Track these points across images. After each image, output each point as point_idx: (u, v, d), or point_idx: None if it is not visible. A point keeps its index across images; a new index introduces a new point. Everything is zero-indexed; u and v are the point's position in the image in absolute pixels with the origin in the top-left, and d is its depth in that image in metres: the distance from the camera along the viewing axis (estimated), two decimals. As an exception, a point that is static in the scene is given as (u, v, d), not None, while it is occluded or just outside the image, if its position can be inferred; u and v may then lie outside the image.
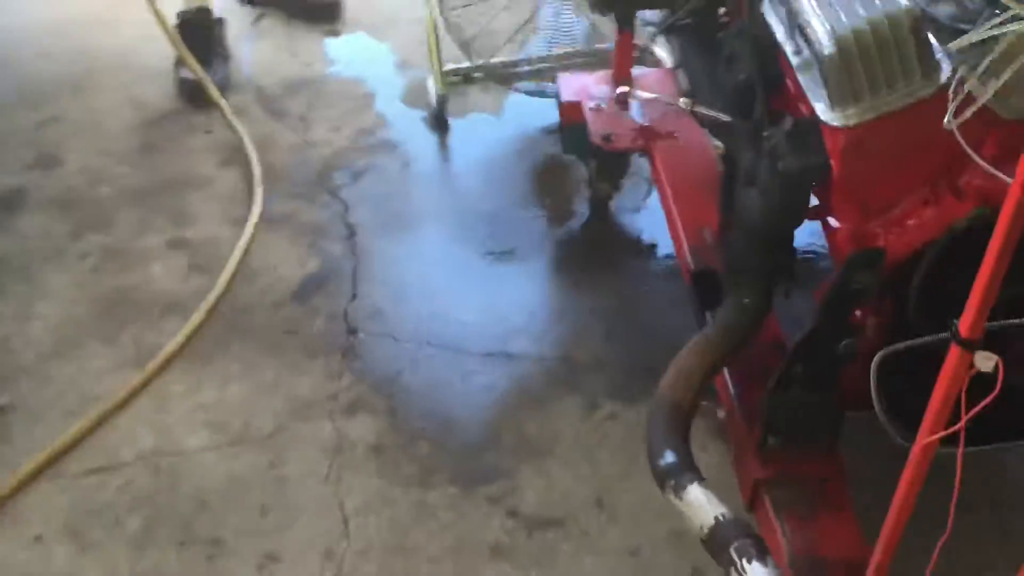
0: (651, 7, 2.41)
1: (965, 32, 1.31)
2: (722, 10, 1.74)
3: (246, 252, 2.48)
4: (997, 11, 1.27)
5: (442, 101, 2.86)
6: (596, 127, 2.34)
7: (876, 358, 1.19)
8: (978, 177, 1.35)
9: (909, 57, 1.29)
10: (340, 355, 2.25)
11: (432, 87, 2.89)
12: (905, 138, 1.35)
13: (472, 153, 2.82)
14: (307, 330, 2.31)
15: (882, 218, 1.42)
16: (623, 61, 2.45)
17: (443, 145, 2.86)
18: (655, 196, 2.52)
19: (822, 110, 1.37)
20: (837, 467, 1.61)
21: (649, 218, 2.57)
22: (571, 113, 2.45)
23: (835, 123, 1.34)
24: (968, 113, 1.13)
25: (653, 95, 1.72)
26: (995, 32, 1.10)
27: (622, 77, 2.46)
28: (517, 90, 2.98)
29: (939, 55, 1.32)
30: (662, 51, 2.86)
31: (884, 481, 1.82)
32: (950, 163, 1.37)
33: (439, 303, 2.35)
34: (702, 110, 1.57)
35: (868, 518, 1.56)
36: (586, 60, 2.94)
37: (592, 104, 2.40)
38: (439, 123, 2.88)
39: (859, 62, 1.29)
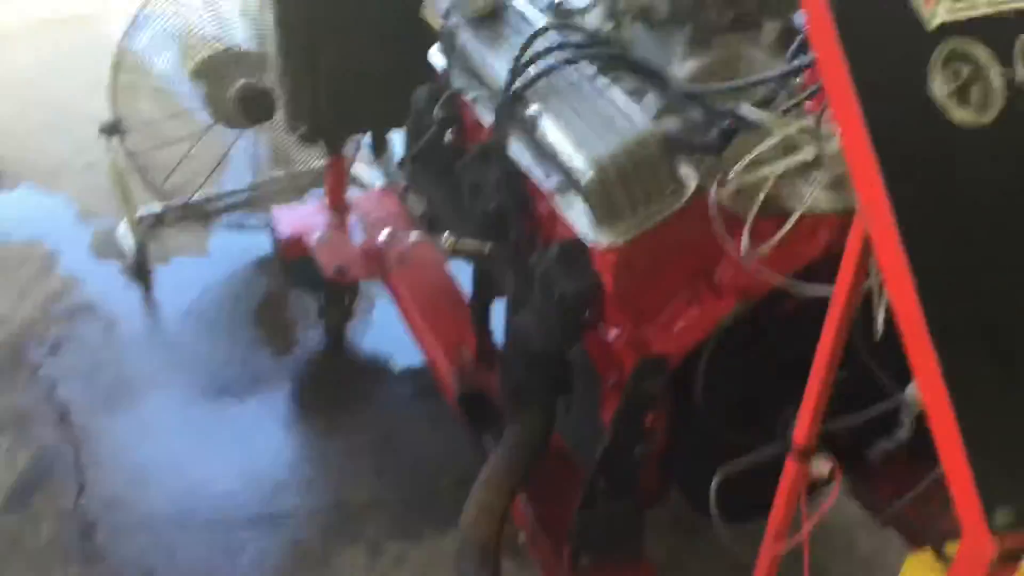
0: (360, 130, 2.39)
1: (698, 145, 1.40)
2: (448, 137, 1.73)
3: (-64, 462, 2.12)
4: (726, 124, 1.37)
5: (140, 250, 2.64)
6: (326, 261, 2.25)
7: (716, 478, 1.21)
8: (732, 272, 1.44)
9: (661, 174, 1.35)
10: (79, 561, 1.96)
11: (126, 236, 2.67)
12: (668, 247, 1.40)
13: (185, 301, 2.62)
14: (32, 540, 1.99)
15: (655, 323, 1.47)
16: (336, 187, 2.39)
17: (150, 298, 2.63)
18: (388, 313, 2.47)
19: (587, 232, 1.39)
20: (649, 569, 1.63)
21: (387, 338, 2.51)
22: (293, 249, 2.35)
23: (603, 244, 1.37)
24: (756, 244, 1.20)
25: (417, 236, 1.67)
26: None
27: (338, 203, 2.40)
28: (222, 227, 2.83)
29: (684, 167, 1.39)
30: (364, 171, 2.84)
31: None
32: (707, 263, 1.44)
33: (188, 475, 2.13)
34: (465, 244, 1.55)
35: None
36: (286, 185, 2.86)
37: (316, 237, 2.31)
38: (141, 274, 2.65)
39: (619, 185, 1.33)
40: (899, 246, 0.80)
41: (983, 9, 0.87)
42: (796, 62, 1.34)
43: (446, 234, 1.53)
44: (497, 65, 1.55)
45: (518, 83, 1.46)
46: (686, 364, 1.46)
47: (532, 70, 1.48)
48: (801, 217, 1.42)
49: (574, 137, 1.38)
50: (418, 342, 2.13)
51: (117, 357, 2.43)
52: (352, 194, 2.52)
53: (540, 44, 1.49)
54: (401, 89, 1.99)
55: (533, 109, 1.45)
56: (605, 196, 1.34)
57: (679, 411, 1.53)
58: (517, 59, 1.46)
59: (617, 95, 1.41)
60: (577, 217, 1.41)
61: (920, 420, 1.33)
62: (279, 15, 2.16)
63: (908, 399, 1.33)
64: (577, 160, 1.35)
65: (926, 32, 0.85)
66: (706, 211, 1.38)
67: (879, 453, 1.82)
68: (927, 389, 0.79)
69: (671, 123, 1.45)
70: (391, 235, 1.89)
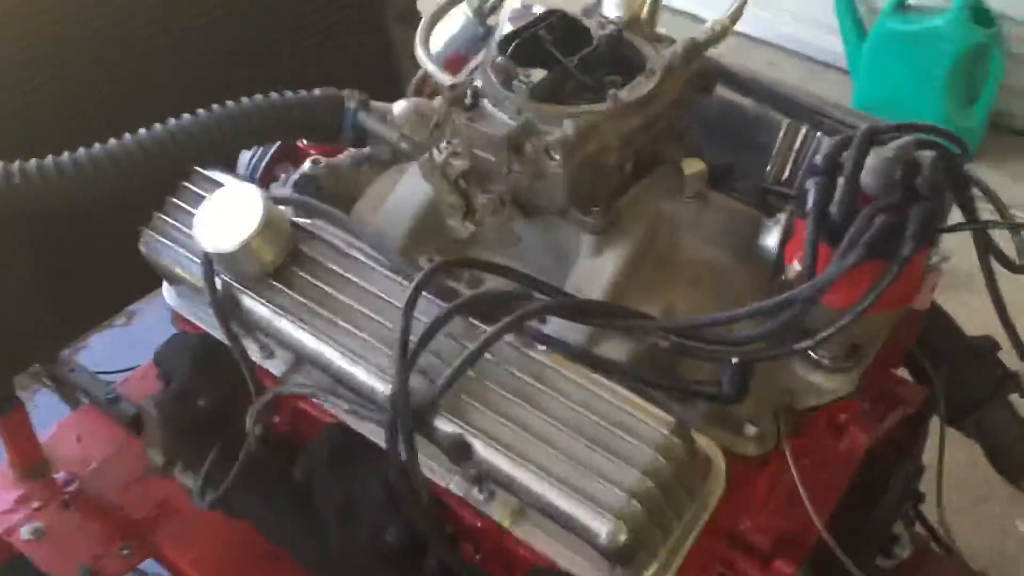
0: (21, 370, 1.67)
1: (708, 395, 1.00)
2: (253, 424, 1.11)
3: None
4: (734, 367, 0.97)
5: None
6: (54, 568, 1.55)
7: None
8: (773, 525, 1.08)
9: (687, 475, 0.91)
10: None
11: None
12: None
13: None
14: None
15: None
16: (23, 446, 1.65)
17: None
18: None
19: (595, 576, 0.93)
20: None
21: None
22: (-4, 556, 1.60)
23: (626, 591, 0.92)
24: None
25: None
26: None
27: (32, 465, 1.66)
28: None
29: (700, 438, 0.96)
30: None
31: None
32: (734, 524, 1.07)
33: None
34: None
35: None
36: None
37: (25, 532, 1.57)
38: None
39: (649, 522, 0.88)
40: None
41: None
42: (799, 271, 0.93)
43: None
44: (331, 352, 1.00)
45: (419, 396, 0.92)
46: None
47: (432, 361, 0.94)
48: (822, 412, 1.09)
49: (552, 474, 0.88)
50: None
51: None
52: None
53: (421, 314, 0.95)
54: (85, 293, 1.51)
55: (452, 427, 0.92)
56: (634, 544, 0.88)
57: None
58: (402, 356, 0.91)
59: (577, 376, 0.93)
60: (571, 559, 0.94)
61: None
62: None
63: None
64: (583, 514, 0.87)
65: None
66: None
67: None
68: None
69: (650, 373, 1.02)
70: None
